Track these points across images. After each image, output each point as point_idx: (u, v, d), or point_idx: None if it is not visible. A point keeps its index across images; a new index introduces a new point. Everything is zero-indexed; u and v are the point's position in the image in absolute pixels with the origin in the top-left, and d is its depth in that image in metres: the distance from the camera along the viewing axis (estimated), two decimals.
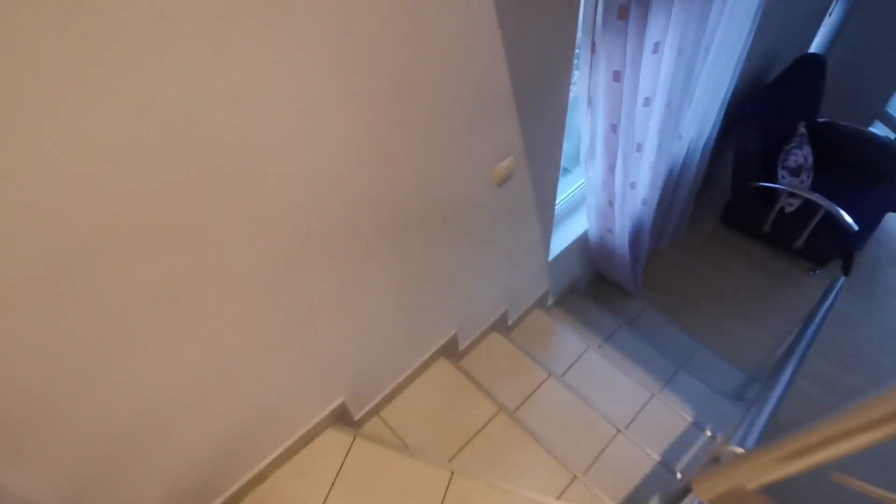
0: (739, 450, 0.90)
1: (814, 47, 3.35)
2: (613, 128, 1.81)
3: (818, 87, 3.08)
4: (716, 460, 0.96)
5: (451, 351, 2.12)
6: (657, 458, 1.98)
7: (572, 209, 2.55)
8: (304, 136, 0.98)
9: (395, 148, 1.17)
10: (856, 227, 2.74)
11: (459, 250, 1.70)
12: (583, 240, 2.53)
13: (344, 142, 1.06)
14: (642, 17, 1.50)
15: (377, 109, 1.07)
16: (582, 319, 2.72)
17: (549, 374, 2.22)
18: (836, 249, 2.95)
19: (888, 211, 3.03)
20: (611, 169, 2.00)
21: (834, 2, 3.14)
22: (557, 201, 2.17)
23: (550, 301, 2.69)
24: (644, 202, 2.39)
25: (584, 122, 1.91)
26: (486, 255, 1.87)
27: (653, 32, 1.63)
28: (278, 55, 0.84)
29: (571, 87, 1.62)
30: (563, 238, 2.44)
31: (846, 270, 2.98)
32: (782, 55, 3.09)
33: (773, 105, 2.83)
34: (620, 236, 2.40)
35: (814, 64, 3.02)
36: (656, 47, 1.69)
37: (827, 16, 3.17)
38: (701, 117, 2.43)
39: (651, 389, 2.31)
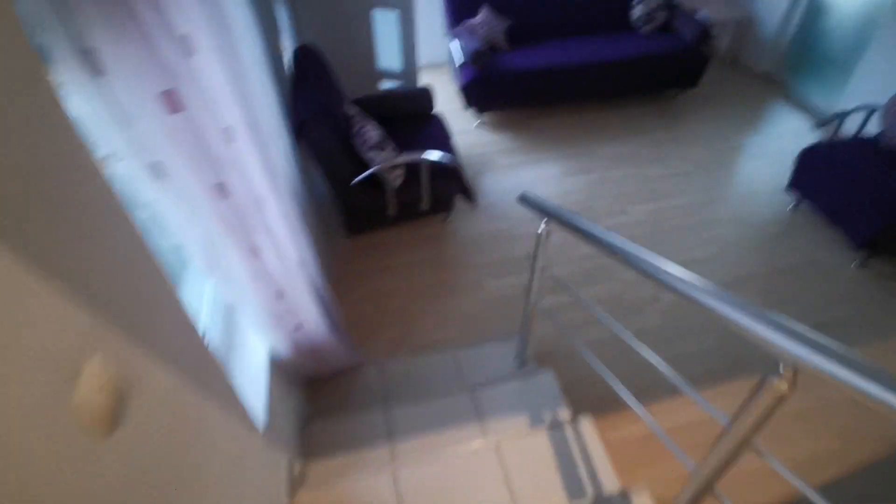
0: None
1: (298, 39, 3.19)
2: (221, 189, 1.03)
3: (327, 70, 2.94)
4: None
5: None
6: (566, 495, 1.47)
7: (229, 341, 1.64)
8: None
9: None
10: (452, 162, 2.78)
11: None
12: (273, 365, 1.68)
13: None
14: None
15: None
16: (346, 446, 1.91)
17: None
18: (453, 189, 2.97)
19: (448, 137, 3.21)
20: (253, 251, 1.22)
21: None
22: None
23: (298, 469, 1.76)
24: (303, 264, 1.70)
25: (166, 208, 1.04)
26: None
27: (176, 19, 0.91)
28: None
29: (104, 158, 0.75)
30: (253, 388, 1.53)
31: (472, 199, 3.06)
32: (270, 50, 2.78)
33: (314, 98, 2.51)
34: (314, 321, 1.67)
35: (309, 52, 2.83)
36: (186, 43, 0.98)
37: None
38: (276, 135, 1.85)
39: (483, 439, 1.77)
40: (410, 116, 3.26)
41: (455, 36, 3.80)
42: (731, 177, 3.53)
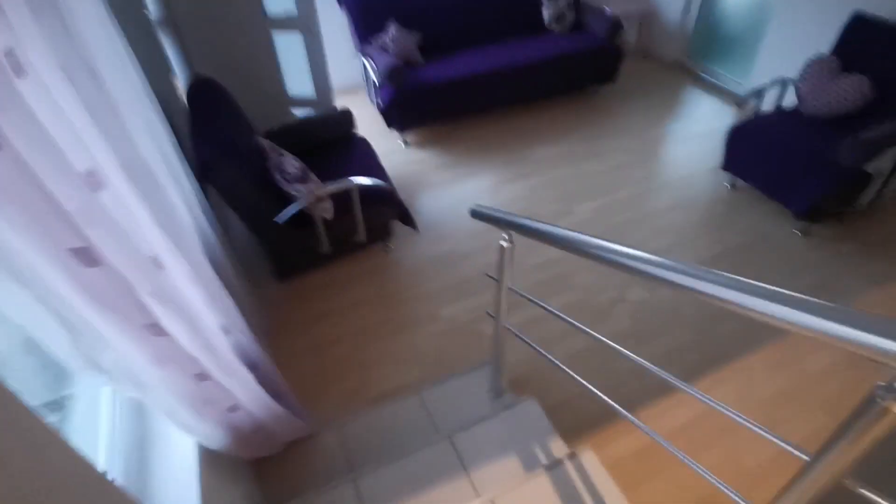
0: None
1: (192, 72, 2.85)
2: (84, 255, 0.74)
3: (230, 103, 2.62)
4: None
5: None
6: None
7: (136, 450, 1.28)
8: None
9: None
10: (384, 184, 2.54)
11: None
12: (206, 460, 1.34)
13: None
14: None
15: None
16: None
17: None
18: (389, 214, 2.72)
19: (375, 159, 2.97)
20: (153, 329, 0.92)
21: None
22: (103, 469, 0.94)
23: None
24: (228, 329, 1.39)
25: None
26: None
27: None
28: None
29: None
30: (182, 499, 1.19)
31: (412, 223, 2.82)
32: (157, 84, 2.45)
33: (216, 135, 2.20)
34: (251, 395, 1.35)
35: (207, 85, 2.51)
36: (15, 62, 0.69)
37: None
38: (175, 181, 1.54)
39: (477, 498, 1.51)
40: (331, 142, 3.00)
41: (366, 55, 3.59)
42: (665, 164, 3.51)
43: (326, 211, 2.49)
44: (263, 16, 2.82)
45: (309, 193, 2.34)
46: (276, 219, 2.32)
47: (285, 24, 2.89)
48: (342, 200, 2.49)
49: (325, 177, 2.60)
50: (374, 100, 3.74)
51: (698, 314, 2.46)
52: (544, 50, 3.80)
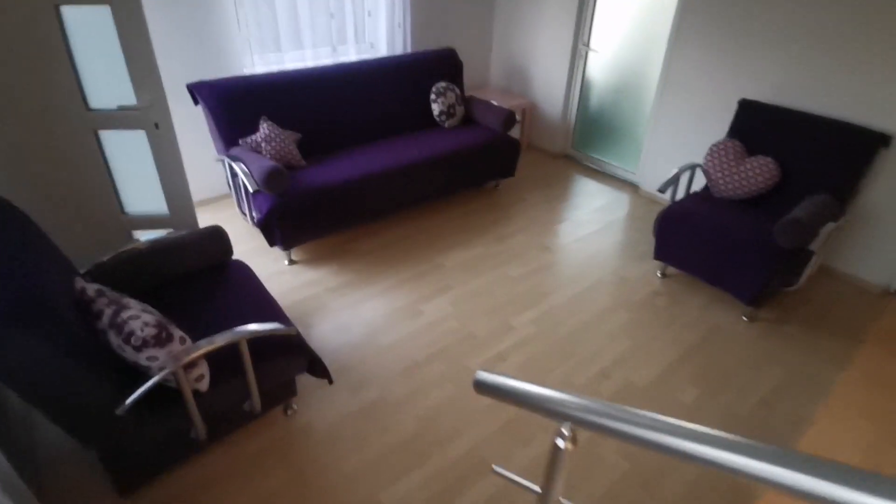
0: None
1: None
2: None
3: (29, 233, 1.73)
4: None
5: None
6: None
7: None
8: None
9: None
10: (284, 327, 1.79)
11: None
12: None
13: None
14: None
15: None
16: None
17: None
18: (294, 368, 1.95)
19: (263, 291, 2.21)
20: None
21: None
22: None
23: None
24: None
25: None
26: None
27: None
28: None
29: None
30: None
31: (324, 373, 2.06)
32: None
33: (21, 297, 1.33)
34: None
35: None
36: None
37: None
38: None
39: None
40: (197, 274, 2.18)
41: (235, 158, 2.88)
42: (589, 259, 3.21)
43: (200, 380, 1.66)
44: (86, 109, 2.03)
45: (172, 360, 1.51)
46: (112, 412, 1.45)
47: (120, 119, 2.12)
48: (223, 359, 1.69)
49: (193, 327, 1.78)
50: (248, 212, 3.00)
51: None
52: (440, 145, 3.43)
